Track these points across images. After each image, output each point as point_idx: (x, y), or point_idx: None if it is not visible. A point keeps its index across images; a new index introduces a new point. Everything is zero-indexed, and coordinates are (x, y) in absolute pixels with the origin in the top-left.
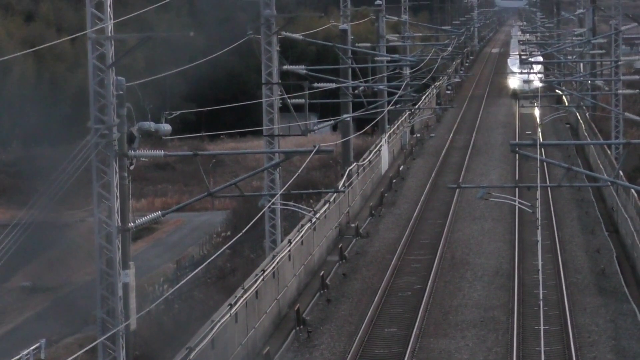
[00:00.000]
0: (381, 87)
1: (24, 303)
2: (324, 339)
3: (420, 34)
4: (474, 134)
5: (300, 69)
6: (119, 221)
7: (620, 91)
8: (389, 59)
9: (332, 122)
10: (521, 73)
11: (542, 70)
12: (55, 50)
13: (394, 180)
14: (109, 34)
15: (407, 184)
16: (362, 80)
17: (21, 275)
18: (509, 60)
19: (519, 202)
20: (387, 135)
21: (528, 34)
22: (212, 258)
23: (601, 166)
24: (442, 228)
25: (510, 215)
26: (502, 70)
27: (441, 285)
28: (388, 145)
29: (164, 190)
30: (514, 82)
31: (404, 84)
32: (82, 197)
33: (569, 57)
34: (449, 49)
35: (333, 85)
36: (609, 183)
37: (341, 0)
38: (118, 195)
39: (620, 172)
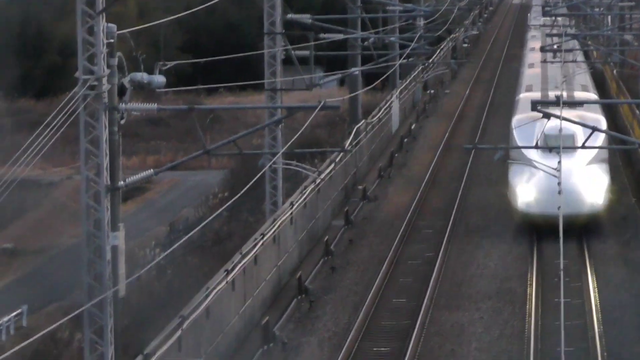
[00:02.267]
0: (393, 39)
1: (4, 267)
2: (327, 310)
3: None
4: (492, 92)
5: (306, 18)
6: (108, 179)
7: None
8: (401, 8)
9: (339, 76)
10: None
11: (567, 23)
12: None
13: (405, 140)
14: None
15: (418, 144)
16: (372, 31)
17: (2, 237)
18: (529, 13)
19: (540, 165)
20: (398, 91)
21: None
22: (207, 221)
23: (629, 128)
24: (456, 192)
25: None
26: (523, 22)
27: (454, 254)
28: (399, 102)
29: (157, 147)
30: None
31: (417, 36)
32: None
33: (596, 10)
34: None
35: (341, 37)
36: (638, 146)
37: None
38: (107, 152)
39: None
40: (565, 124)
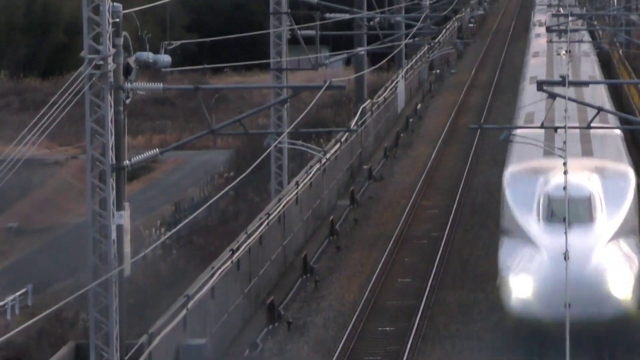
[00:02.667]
0: (398, 18)
1: (9, 246)
2: (332, 289)
3: None
4: (497, 72)
5: None
6: (114, 159)
7: None
8: None
9: (345, 56)
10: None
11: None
12: None
13: (411, 120)
14: None
15: (424, 123)
16: (378, 11)
17: (7, 216)
18: None
19: (546, 145)
20: (404, 71)
21: None
22: (213, 200)
23: (635, 107)
24: (462, 172)
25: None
26: (529, 3)
27: (460, 234)
28: (405, 81)
29: (162, 126)
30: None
31: (423, 15)
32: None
33: None
34: None
35: (347, 16)
36: None
37: None
38: (113, 131)
39: None
40: (575, 186)
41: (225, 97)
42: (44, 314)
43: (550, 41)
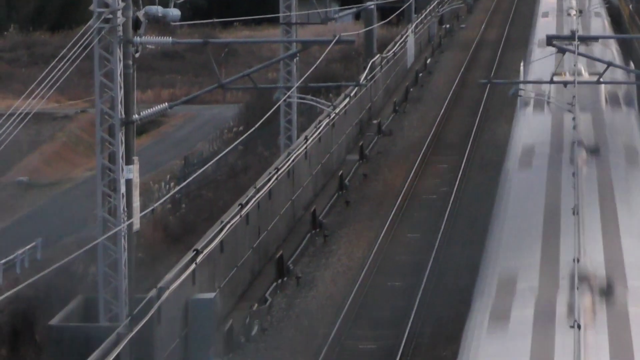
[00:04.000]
0: None
1: (19, 200)
2: (341, 244)
3: None
4: (507, 26)
5: None
6: (123, 113)
7: None
8: None
9: (355, 10)
10: None
11: None
12: None
13: (420, 75)
14: None
15: (434, 78)
16: None
17: (17, 170)
18: None
19: (555, 100)
20: (414, 25)
21: None
22: (222, 154)
23: None
24: (471, 127)
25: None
26: None
27: (469, 189)
28: (414, 36)
29: (172, 80)
30: None
31: None
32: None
33: None
34: None
35: None
36: None
37: None
38: (122, 85)
39: None
40: None
41: (234, 52)
42: (53, 267)
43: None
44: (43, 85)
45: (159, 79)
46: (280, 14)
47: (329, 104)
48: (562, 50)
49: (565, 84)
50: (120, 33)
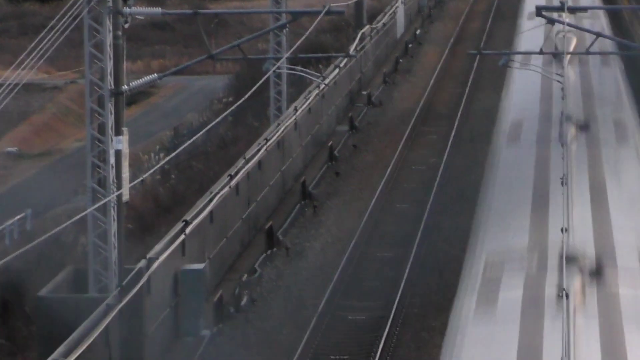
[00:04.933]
0: None
1: (8, 170)
2: (331, 215)
3: None
4: None
5: None
6: (112, 84)
7: None
8: None
9: None
10: None
11: None
12: None
13: (410, 45)
14: None
15: (423, 49)
16: None
17: (6, 140)
18: None
19: (544, 71)
20: None
21: None
22: (211, 125)
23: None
24: (461, 98)
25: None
26: None
27: (459, 160)
28: (404, 7)
29: (161, 51)
30: None
31: None
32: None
33: None
34: None
35: None
36: None
37: None
38: (111, 56)
39: None
40: None
41: (224, 22)
42: (43, 238)
43: None
44: (33, 56)
45: (148, 49)
46: None
47: (319, 75)
48: (550, 21)
49: (554, 54)
50: (110, 4)
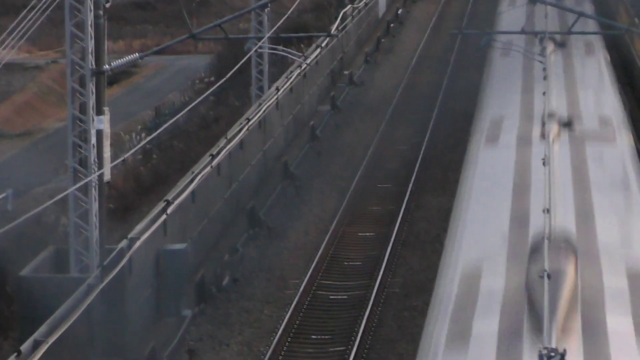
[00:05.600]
0: None
1: None
2: (313, 195)
3: None
4: None
5: None
6: (94, 63)
7: None
8: None
9: None
10: None
11: None
12: None
13: (392, 25)
14: None
15: (405, 29)
16: None
17: None
18: None
19: (526, 51)
20: None
21: None
22: (193, 105)
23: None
24: (443, 77)
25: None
26: None
27: (441, 139)
28: None
29: (143, 31)
30: None
31: None
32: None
33: None
34: None
35: None
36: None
37: None
38: (93, 35)
39: (637, 19)
40: None
41: (206, 1)
42: (24, 218)
43: None
44: (14, 35)
45: (130, 29)
46: None
47: (301, 54)
48: (534, 1)
49: (536, 34)
50: None
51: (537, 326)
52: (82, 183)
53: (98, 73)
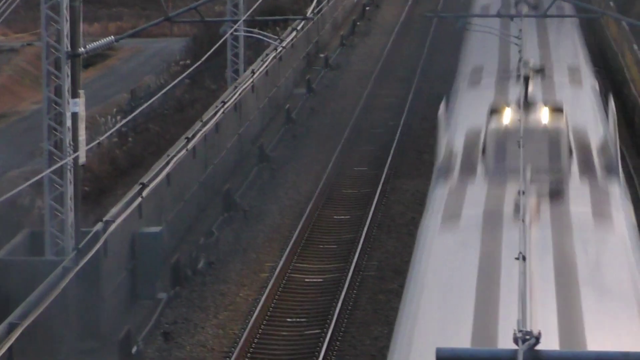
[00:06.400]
0: None
1: None
2: (288, 177)
3: None
4: None
5: None
6: (69, 46)
7: None
8: None
9: None
10: None
11: None
12: None
13: (368, 8)
14: None
15: (381, 12)
16: None
17: None
18: None
19: (501, 33)
20: None
21: None
22: (169, 87)
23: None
24: (419, 60)
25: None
26: None
27: (416, 122)
28: None
29: (118, 13)
30: None
31: None
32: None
33: None
34: None
35: None
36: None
37: None
38: (68, 18)
39: (612, 3)
40: None
41: None
42: None
43: None
44: None
45: (105, 12)
46: None
47: (276, 37)
48: None
49: (511, 17)
50: None
51: None
52: (57, 166)
53: (73, 56)
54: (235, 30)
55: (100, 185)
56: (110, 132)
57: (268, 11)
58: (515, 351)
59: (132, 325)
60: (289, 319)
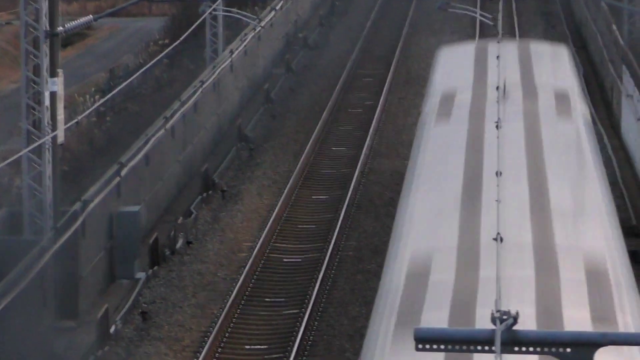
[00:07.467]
0: None
1: None
2: (267, 157)
3: None
4: None
5: None
6: (47, 25)
7: None
8: None
9: None
10: None
11: None
12: None
13: None
14: None
15: None
16: None
17: None
18: None
19: (480, 14)
20: None
21: None
22: (147, 67)
23: None
24: (397, 41)
25: (471, 28)
26: None
27: (394, 102)
28: None
29: None
30: None
31: None
32: None
33: None
34: None
35: None
36: None
37: None
38: None
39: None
40: None
41: None
42: None
43: None
44: None
45: None
46: None
47: (255, 17)
48: None
49: (491, 0)
50: None
51: None
52: (35, 145)
53: (52, 35)
54: (214, 9)
55: (78, 165)
56: (88, 111)
57: None
58: (493, 331)
59: (110, 305)
60: (267, 299)
